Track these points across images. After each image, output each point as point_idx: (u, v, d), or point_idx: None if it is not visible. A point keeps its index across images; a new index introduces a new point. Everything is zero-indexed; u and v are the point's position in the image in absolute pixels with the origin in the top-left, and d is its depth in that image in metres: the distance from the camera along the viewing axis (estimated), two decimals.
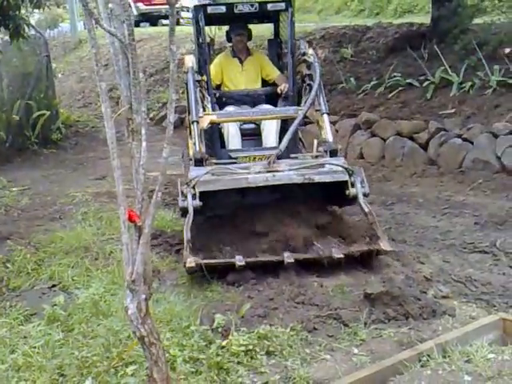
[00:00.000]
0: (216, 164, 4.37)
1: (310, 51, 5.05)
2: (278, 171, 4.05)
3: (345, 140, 7.77)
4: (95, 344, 2.95)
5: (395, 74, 8.09)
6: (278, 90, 5.14)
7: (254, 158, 4.66)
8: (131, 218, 2.25)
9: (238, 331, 3.03)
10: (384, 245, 3.77)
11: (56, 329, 3.15)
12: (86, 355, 2.84)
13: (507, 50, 7.22)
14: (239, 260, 3.70)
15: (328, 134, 4.50)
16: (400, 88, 7.89)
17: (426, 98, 7.48)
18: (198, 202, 3.89)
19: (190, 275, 3.80)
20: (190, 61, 4.94)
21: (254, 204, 4.18)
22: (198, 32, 5.13)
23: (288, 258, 3.71)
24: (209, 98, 4.92)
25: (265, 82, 5.45)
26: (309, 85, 4.80)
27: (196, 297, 3.55)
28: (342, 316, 3.22)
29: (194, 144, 4.43)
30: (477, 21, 8.72)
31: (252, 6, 5.03)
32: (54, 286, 3.81)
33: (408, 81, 7.88)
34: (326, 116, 4.60)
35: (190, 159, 4.49)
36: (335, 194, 4.18)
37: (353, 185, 4.02)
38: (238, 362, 2.82)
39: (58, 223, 5.16)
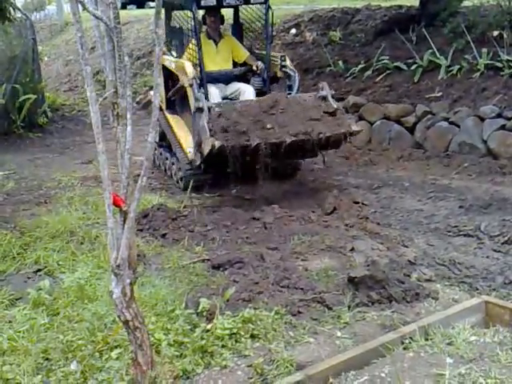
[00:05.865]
0: None
1: (288, 62, 5.83)
2: None
3: None
4: (80, 328, 2.95)
5: (383, 57, 8.04)
6: (254, 68, 5.91)
7: None
8: (116, 203, 2.24)
9: (223, 315, 3.03)
10: (354, 127, 5.05)
11: (41, 313, 3.15)
12: (71, 339, 2.85)
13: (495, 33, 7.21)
14: (253, 140, 4.67)
15: None
16: (388, 71, 7.86)
17: (414, 81, 7.45)
18: (210, 103, 4.97)
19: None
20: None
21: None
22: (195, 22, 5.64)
23: (288, 137, 4.73)
24: None
25: (234, 62, 6.21)
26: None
27: (181, 281, 3.56)
28: (326, 299, 3.25)
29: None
30: (466, 3, 8.67)
31: None
32: (39, 270, 3.80)
33: (396, 64, 7.83)
34: None
35: None
36: None
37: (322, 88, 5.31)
38: (223, 346, 2.83)
39: (44, 207, 5.14)
